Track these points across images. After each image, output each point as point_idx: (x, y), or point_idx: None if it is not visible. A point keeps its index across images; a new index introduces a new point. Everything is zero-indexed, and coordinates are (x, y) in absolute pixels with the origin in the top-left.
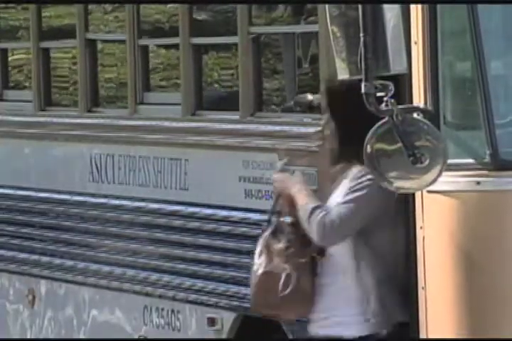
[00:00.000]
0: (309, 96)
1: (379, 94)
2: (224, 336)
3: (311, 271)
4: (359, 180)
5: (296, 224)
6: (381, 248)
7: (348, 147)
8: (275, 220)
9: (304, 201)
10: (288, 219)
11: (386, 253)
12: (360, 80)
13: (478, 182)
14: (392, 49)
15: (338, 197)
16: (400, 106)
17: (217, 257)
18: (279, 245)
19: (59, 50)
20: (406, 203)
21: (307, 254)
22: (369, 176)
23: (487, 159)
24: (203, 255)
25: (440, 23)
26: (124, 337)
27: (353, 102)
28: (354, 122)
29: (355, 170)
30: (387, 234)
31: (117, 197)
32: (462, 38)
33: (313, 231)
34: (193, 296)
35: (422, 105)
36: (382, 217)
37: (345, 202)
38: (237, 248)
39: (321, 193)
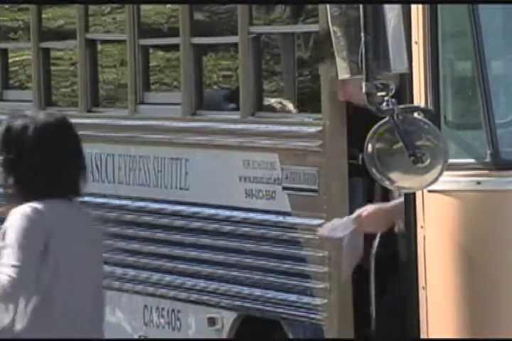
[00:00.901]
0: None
1: (380, 93)
2: (224, 336)
3: None
4: (9, 226)
5: None
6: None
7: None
8: None
9: None
10: None
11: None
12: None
13: (478, 182)
14: (393, 49)
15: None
16: (401, 106)
17: (219, 257)
18: None
19: (59, 51)
20: (407, 203)
21: None
22: (16, 216)
23: (488, 159)
24: (205, 255)
25: (441, 22)
26: (124, 336)
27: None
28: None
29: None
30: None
31: (117, 197)
32: (463, 38)
33: None
34: (193, 296)
35: (422, 105)
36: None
37: (8, 257)
38: (240, 248)
39: None
